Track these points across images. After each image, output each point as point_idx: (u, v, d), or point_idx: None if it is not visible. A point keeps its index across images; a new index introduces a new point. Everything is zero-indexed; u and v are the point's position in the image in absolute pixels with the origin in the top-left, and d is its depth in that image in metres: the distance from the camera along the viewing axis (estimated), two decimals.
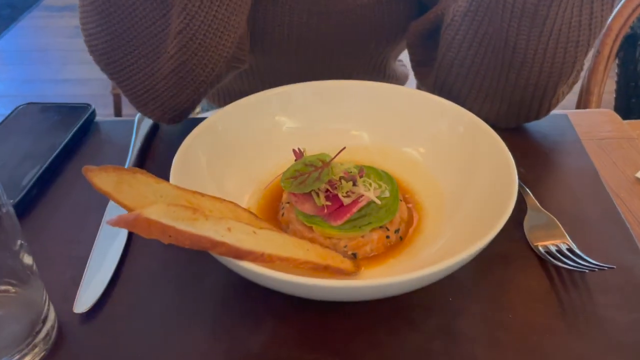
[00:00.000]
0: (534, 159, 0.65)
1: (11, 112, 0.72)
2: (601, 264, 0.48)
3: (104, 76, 0.65)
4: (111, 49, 0.61)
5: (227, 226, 0.41)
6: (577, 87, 0.98)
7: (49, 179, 0.62)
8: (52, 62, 2.88)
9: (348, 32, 0.77)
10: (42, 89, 2.67)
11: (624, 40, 0.94)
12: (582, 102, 0.93)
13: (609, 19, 0.92)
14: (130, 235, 0.54)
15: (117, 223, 0.37)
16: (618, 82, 1.02)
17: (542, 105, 0.65)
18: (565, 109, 0.75)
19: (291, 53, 0.78)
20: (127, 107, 1.61)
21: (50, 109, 0.73)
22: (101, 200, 0.57)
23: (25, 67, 2.89)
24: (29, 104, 0.73)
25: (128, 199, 0.40)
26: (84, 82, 2.63)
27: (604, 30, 0.92)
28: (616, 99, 1.03)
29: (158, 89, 0.62)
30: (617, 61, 0.98)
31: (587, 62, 0.97)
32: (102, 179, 0.40)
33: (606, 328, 0.46)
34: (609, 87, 1.01)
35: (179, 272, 0.51)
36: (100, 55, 0.63)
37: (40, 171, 0.61)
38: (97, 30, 0.61)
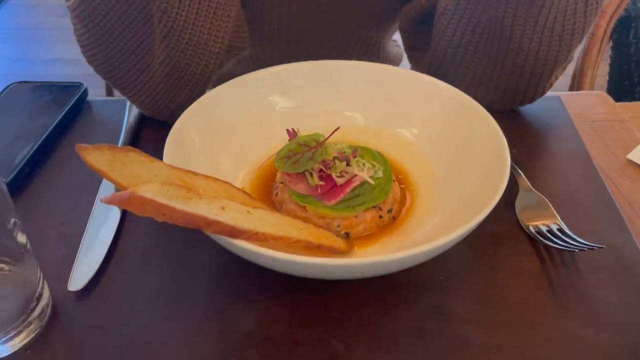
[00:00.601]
0: (526, 141, 0.65)
1: (2, 91, 0.71)
2: (590, 244, 0.49)
3: None
4: (106, 59, 0.61)
5: (221, 205, 0.41)
6: (570, 70, 0.98)
7: (42, 158, 0.62)
8: (43, 41, 2.84)
9: (339, 18, 0.76)
10: (33, 69, 2.64)
11: (618, 23, 0.94)
12: (575, 85, 0.93)
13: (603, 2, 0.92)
14: (124, 214, 0.54)
15: (112, 201, 0.38)
16: (611, 65, 1.02)
17: (537, 91, 0.65)
18: (558, 91, 0.75)
19: (282, 41, 0.78)
20: None
21: (41, 87, 0.72)
22: (94, 178, 0.57)
23: (16, 45, 2.85)
24: (20, 82, 0.73)
25: (122, 178, 0.40)
26: (76, 61, 2.59)
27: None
28: (609, 81, 1.03)
29: (157, 93, 0.62)
30: (610, 43, 0.98)
31: (581, 44, 0.97)
32: (95, 157, 0.40)
33: (595, 307, 0.47)
34: (602, 70, 1.01)
35: (172, 251, 0.51)
36: (98, 65, 0.63)
37: (33, 150, 0.61)
38: (89, 41, 0.61)
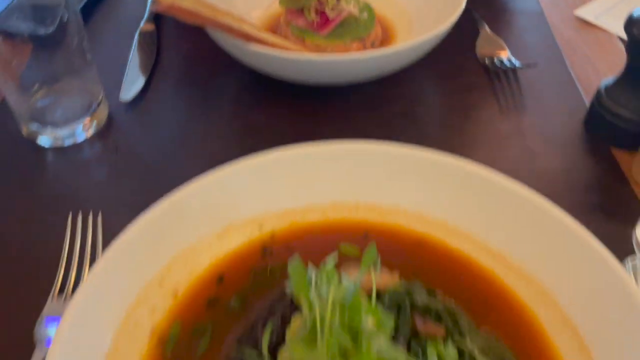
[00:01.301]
0: (493, 5, 0.77)
1: None
2: (528, 62, 0.62)
3: None
4: None
5: (240, 22, 0.54)
6: None
7: (88, 13, 0.74)
8: None
9: None
10: None
11: None
12: None
13: None
14: (159, 49, 0.67)
15: (158, 7, 0.50)
16: None
17: None
18: None
19: None
20: None
21: None
22: (130, 30, 0.70)
23: None
24: None
25: None
26: None
27: None
28: None
29: None
30: None
31: None
32: None
33: (532, 106, 0.60)
34: None
35: (201, 74, 0.64)
36: None
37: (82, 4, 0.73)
38: None
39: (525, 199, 0.39)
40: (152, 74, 0.64)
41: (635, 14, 0.51)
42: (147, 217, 0.38)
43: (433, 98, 0.62)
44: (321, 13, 0.61)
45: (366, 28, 0.63)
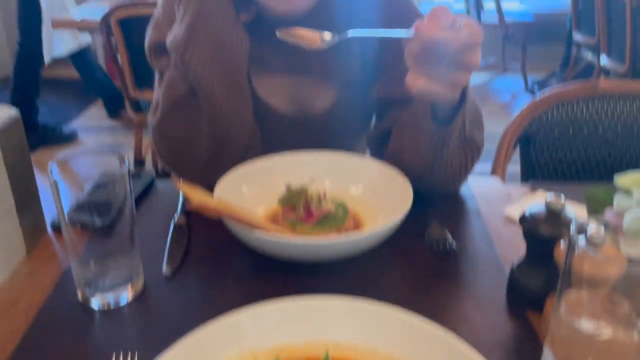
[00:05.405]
0: (440, 204, 1.00)
1: None
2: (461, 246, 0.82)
3: None
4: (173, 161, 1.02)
5: (250, 215, 0.76)
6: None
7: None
8: None
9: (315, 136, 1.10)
10: None
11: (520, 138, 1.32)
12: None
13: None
14: (189, 242, 0.88)
15: (189, 205, 0.72)
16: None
17: (455, 188, 1.01)
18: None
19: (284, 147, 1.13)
20: None
21: None
22: (166, 222, 0.92)
23: None
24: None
25: (196, 197, 0.75)
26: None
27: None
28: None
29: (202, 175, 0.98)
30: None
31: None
32: (181, 185, 0.76)
33: (467, 287, 0.79)
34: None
35: (219, 254, 0.84)
36: (167, 163, 1.03)
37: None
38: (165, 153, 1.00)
39: (447, 343, 0.56)
40: (184, 254, 0.84)
41: (527, 212, 0.73)
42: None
43: (393, 272, 0.81)
44: (308, 209, 0.84)
45: (341, 221, 0.85)
